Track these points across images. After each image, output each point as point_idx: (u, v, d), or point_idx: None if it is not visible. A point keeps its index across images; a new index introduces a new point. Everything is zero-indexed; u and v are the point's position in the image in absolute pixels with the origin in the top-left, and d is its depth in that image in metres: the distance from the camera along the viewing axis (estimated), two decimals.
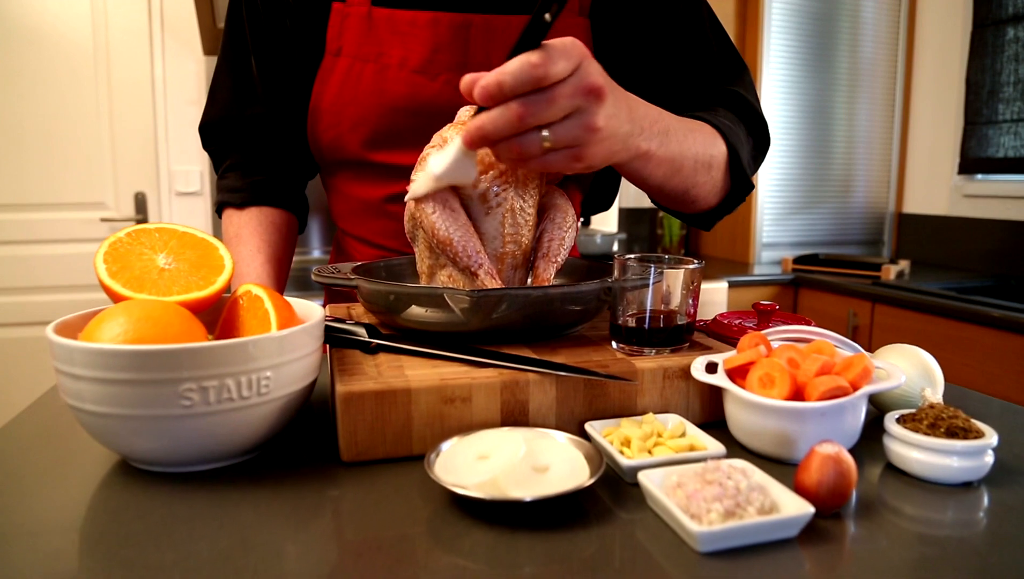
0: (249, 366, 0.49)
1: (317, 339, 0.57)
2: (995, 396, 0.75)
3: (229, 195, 0.96)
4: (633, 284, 0.62)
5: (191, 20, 2.74)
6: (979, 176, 2.72)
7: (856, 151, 3.00)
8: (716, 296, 2.45)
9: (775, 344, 0.60)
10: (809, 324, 0.71)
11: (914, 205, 3.02)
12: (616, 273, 0.63)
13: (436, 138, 0.69)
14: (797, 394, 0.53)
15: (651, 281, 0.61)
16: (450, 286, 0.68)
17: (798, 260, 2.68)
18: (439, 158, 0.61)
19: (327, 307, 0.83)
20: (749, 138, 0.86)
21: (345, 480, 0.51)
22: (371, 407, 0.52)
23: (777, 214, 2.91)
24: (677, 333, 0.62)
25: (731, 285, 2.49)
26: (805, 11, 2.80)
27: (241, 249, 0.93)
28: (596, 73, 0.54)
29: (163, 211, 2.82)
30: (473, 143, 0.55)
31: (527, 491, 0.44)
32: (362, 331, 0.63)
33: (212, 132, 0.97)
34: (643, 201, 3.22)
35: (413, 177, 0.69)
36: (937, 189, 2.90)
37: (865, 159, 3.02)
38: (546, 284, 0.66)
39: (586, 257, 1.22)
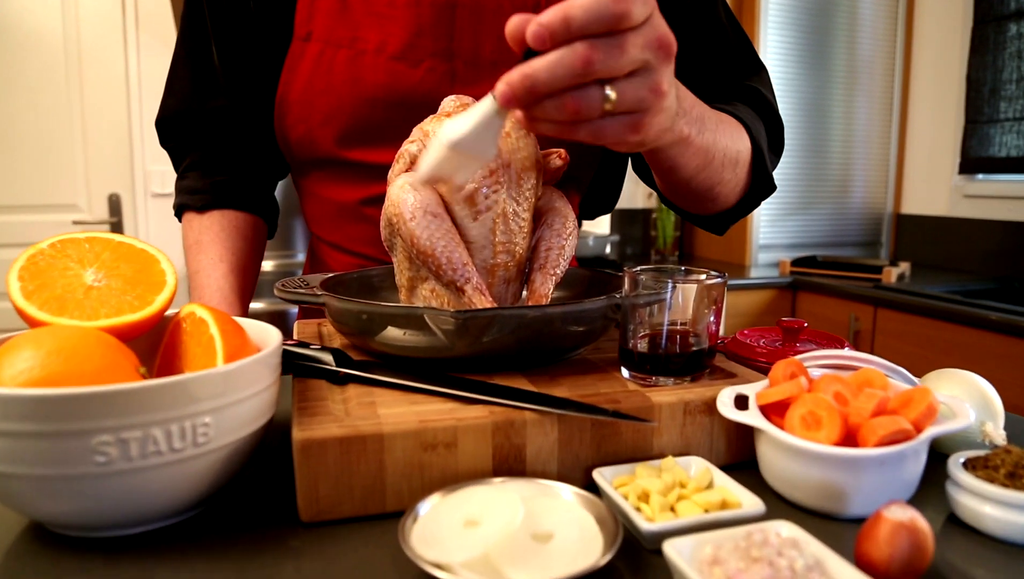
0: (182, 411, 0.40)
1: (273, 371, 0.47)
2: (1005, 406, 0.67)
3: (188, 197, 0.86)
4: (647, 300, 0.53)
5: (167, 13, 2.63)
6: (980, 176, 2.66)
7: (854, 150, 2.93)
8: None
9: (812, 372, 0.52)
10: (843, 344, 0.63)
11: (913, 206, 2.95)
12: (626, 288, 0.54)
13: (416, 132, 0.59)
14: (848, 437, 0.44)
15: (668, 297, 0.52)
16: (432, 304, 0.59)
17: (796, 262, 2.61)
18: (459, 122, 0.47)
19: (296, 324, 0.73)
20: (767, 137, 0.78)
21: (303, 545, 0.42)
22: (335, 456, 0.43)
23: (773, 215, 2.83)
24: (698, 359, 0.53)
25: (728, 289, 2.41)
26: (802, 7, 2.73)
27: (201, 258, 0.83)
28: (666, 27, 0.45)
29: (138, 213, 2.71)
30: (515, 98, 0.42)
31: (527, 571, 0.35)
32: (329, 358, 0.54)
33: (170, 127, 0.88)
34: (636, 202, 3.14)
35: (390, 178, 0.60)
36: (936, 189, 2.83)
37: (863, 159, 2.95)
38: (544, 301, 0.58)
39: (579, 261, 1.13)
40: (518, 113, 0.45)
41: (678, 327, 0.53)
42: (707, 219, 0.82)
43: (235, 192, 0.87)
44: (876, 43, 2.88)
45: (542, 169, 0.61)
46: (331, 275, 0.67)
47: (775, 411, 0.47)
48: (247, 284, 0.86)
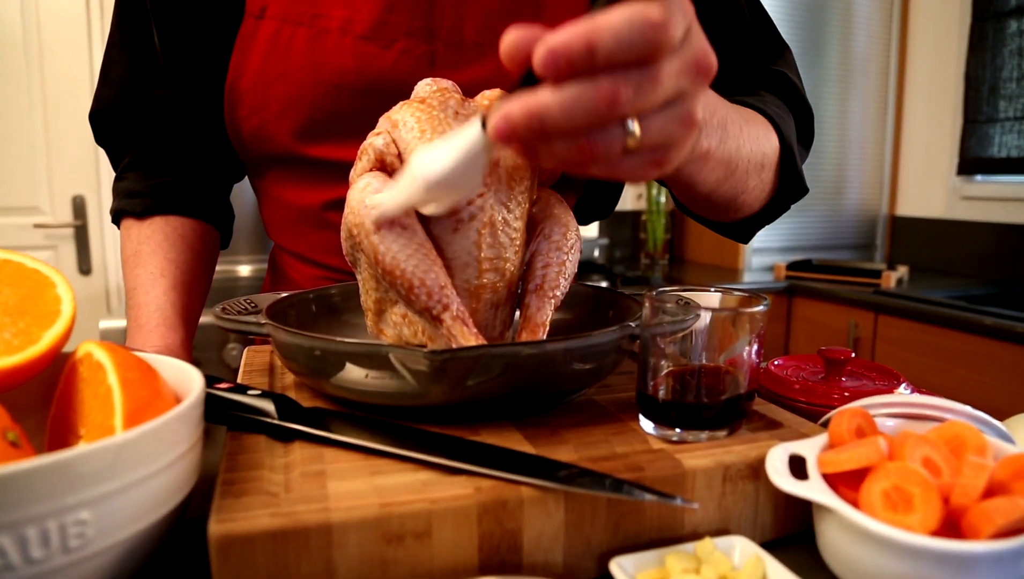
0: (44, 508, 0.28)
1: (190, 432, 0.36)
2: None
3: (127, 201, 0.75)
4: (672, 329, 0.42)
5: None
6: (979, 177, 2.58)
7: (848, 150, 2.85)
8: None
9: (880, 422, 0.41)
10: (899, 380, 0.52)
11: (908, 207, 2.88)
12: (646, 315, 0.43)
13: (383, 123, 0.48)
14: (949, 522, 0.33)
15: (700, 327, 0.41)
16: (404, 332, 0.48)
17: (791, 266, 2.51)
18: (437, 154, 0.38)
19: (246, 351, 0.62)
20: (796, 130, 0.68)
21: None
22: (267, 556, 0.32)
23: None
24: (735, 406, 0.42)
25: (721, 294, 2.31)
26: (795, 2, 2.64)
27: (139, 272, 0.72)
28: (705, 42, 0.35)
29: (104, 216, 2.57)
30: (514, 136, 0.33)
31: None
32: (270, 408, 0.42)
33: (105, 121, 0.76)
34: (625, 204, 3.04)
35: (352, 178, 0.49)
36: (933, 191, 2.76)
37: (857, 159, 2.87)
38: (541, 331, 0.47)
39: None
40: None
41: (710, 364, 0.42)
42: (730, 227, 0.72)
43: (181, 195, 0.75)
44: (871, 40, 2.80)
45: (537, 168, 0.50)
46: (281, 296, 0.56)
47: (844, 480, 0.37)
48: (193, 302, 0.74)
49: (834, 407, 0.50)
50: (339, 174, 0.68)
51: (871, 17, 2.78)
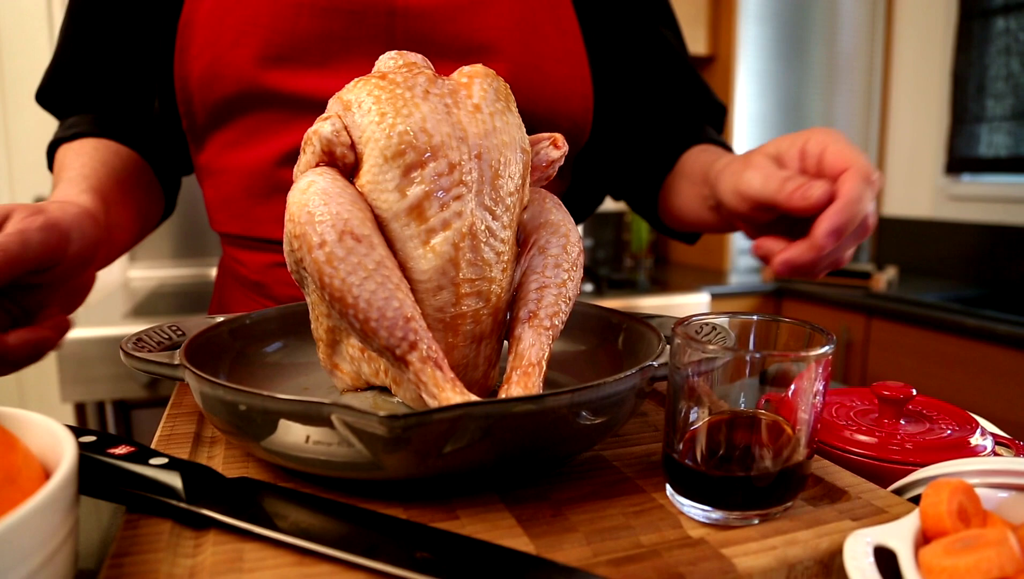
0: None
1: (52, 530, 0.26)
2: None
3: (63, 132, 0.65)
4: (709, 369, 0.32)
5: None
6: (966, 177, 2.53)
7: None
8: (700, 312, 2.18)
9: (981, 493, 0.32)
10: (973, 425, 0.43)
11: (894, 207, 2.82)
12: (676, 354, 0.33)
13: (334, 104, 0.38)
14: None
15: (746, 370, 0.31)
16: (363, 370, 0.38)
17: None
18: None
19: (176, 387, 0.51)
20: None
21: None
22: None
23: None
24: (796, 474, 0.32)
25: (713, 297, 2.23)
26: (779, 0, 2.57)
27: (60, 176, 0.58)
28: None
29: None
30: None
31: None
32: (175, 483, 0.32)
33: (57, 88, 0.68)
34: (607, 204, 2.94)
35: (295, 174, 0.39)
36: (919, 190, 2.70)
37: None
38: (538, 374, 0.36)
39: None
40: None
41: (759, 412, 0.33)
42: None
43: (127, 130, 0.66)
44: (856, 38, 2.75)
45: (529, 163, 0.40)
46: (215, 321, 0.45)
47: None
48: (125, 214, 0.60)
49: (896, 462, 0.40)
50: (296, 114, 0.59)
51: (856, 14, 2.72)
